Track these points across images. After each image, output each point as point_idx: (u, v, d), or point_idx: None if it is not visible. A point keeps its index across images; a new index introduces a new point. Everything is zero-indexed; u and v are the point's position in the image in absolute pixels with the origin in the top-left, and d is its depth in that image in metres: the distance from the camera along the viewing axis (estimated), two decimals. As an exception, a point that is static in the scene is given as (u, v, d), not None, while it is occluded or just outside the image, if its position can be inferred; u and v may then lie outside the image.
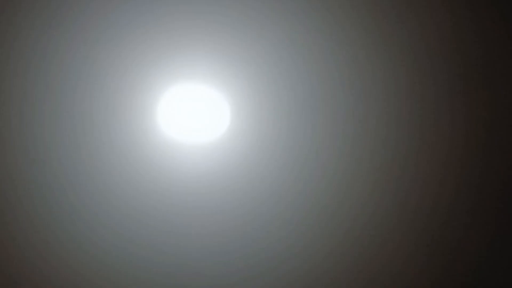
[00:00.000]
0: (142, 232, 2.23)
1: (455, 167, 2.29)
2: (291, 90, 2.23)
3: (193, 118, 2.18)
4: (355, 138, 2.27)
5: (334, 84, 2.25)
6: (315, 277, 2.29)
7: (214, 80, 2.19)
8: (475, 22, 2.28)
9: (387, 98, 2.27)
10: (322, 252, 2.29)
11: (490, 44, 2.28)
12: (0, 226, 2.21)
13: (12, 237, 2.21)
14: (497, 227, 2.30)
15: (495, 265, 2.31)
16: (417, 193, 2.30)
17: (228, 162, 2.22)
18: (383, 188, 2.30)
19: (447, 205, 2.31)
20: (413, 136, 2.28)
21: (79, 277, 2.23)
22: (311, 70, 2.24)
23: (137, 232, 2.23)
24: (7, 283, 2.21)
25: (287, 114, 2.23)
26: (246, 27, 2.20)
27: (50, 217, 2.22)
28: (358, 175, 2.28)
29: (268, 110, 2.22)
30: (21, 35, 2.16)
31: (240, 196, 2.25)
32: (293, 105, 2.24)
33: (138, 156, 2.19)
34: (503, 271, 2.31)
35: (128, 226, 2.23)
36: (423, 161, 2.29)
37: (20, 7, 2.16)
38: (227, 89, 2.20)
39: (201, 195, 2.23)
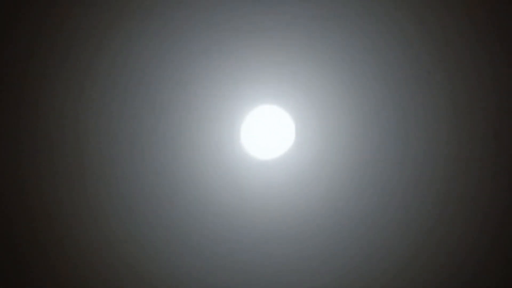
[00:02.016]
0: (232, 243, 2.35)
1: None
2: (352, 108, 2.34)
3: (264, 136, 2.33)
4: (425, 156, 2.27)
5: (399, 100, 2.28)
6: None
7: (281, 100, 2.31)
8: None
9: (465, 115, 2.26)
10: (391, 268, 2.31)
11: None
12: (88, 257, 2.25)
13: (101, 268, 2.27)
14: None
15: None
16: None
17: (296, 174, 2.33)
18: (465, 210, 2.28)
19: None
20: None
21: None
22: (373, 88, 2.28)
23: (226, 246, 2.35)
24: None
25: (346, 129, 2.33)
26: (308, 51, 2.31)
27: (132, 232, 2.32)
28: (425, 196, 2.28)
29: (330, 126, 2.33)
30: (103, 67, 2.29)
31: (308, 209, 2.36)
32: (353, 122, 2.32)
33: (218, 172, 2.33)
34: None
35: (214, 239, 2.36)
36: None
37: (101, 44, 2.29)
38: (293, 108, 2.31)
39: (277, 206, 2.36)
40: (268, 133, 2.33)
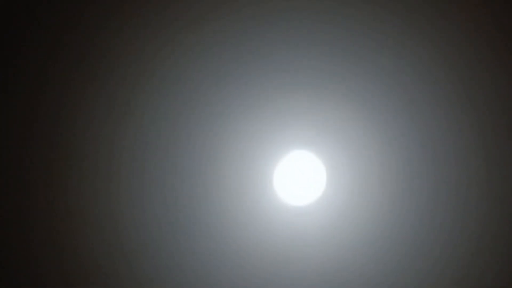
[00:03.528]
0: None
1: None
2: (381, 156, 2.35)
3: (296, 182, 2.34)
4: (458, 201, 2.29)
5: (432, 147, 2.29)
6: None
7: (313, 147, 2.34)
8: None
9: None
10: None
11: None
12: None
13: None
14: None
15: None
16: None
17: (328, 221, 2.34)
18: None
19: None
20: None
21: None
22: (405, 136, 2.30)
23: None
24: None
25: (377, 176, 2.34)
26: (341, 99, 2.34)
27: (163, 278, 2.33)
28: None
29: (361, 173, 2.35)
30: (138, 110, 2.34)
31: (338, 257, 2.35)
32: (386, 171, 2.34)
33: (250, 218, 2.35)
34: None
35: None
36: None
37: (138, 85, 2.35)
38: (324, 154, 2.34)
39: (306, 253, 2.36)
40: (300, 179, 2.35)
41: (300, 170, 2.35)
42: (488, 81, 2.34)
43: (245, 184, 2.35)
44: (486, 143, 2.33)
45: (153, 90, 2.36)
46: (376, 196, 2.34)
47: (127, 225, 2.34)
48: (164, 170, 2.35)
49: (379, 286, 2.32)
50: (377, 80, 2.34)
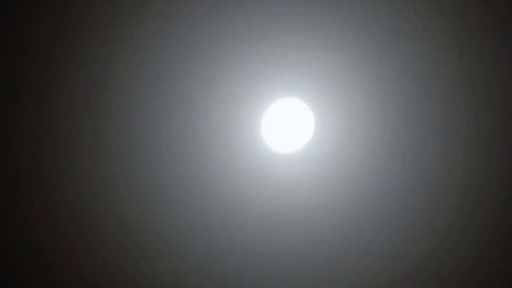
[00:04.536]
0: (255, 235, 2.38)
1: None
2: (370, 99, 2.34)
3: (284, 129, 2.34)
4: (443, 145, 2.28)
5: (422, 93, 2.31)
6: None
7: (301, 94, 2.32)
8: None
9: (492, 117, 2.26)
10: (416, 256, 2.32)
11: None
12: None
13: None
14: None
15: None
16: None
17: (316, 167, 2.34)
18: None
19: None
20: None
21: None
22: (395, 81, 2.28)
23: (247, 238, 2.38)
24: None
25: (366, 122, 2.34)
26: (328, 44, 2.31)
27: (152, 227, 2.38)
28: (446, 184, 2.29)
29: (350, 119, 2.34)
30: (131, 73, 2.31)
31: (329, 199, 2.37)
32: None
33: (239, 165, 2.35)
34: None
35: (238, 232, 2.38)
36: None
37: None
38: (312, 101, 2.32)
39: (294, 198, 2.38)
40: (288, 127, 2.34)
41: (288, 117, 2.34)
42: (478, 23, 2.30)
43: (233, 132, 2.34)
44: (476, 90, 2.31)
45: (139, 38, 2.31)
46: (364, 143, 2.33)
47: (117, 178, 2.35)
48: (150, 121, 2.33)
49: (367, 231, 2.35)
50: (367, 27, 2.30)
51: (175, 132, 2.33)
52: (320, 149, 2.34)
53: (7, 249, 2.36)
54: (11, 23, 2.31)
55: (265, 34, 2.30)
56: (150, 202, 2.35)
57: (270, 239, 2.37)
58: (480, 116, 2.32)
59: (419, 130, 2.32)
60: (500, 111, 2.31)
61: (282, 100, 2.34)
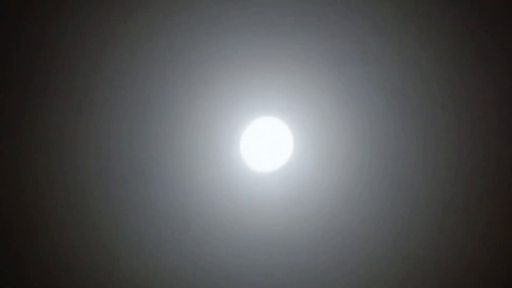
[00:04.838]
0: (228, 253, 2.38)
1: None
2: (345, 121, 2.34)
3: (262, 148, 2.33)
4: (424, 167, 2.28)
5: (399, 113, 2.30)
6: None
7: (280, 113, 2.32)
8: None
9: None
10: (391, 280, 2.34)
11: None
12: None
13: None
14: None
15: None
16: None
17: (295, 186, 2.35)
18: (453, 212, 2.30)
19: None
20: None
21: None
22: (373, 102, 2.30)
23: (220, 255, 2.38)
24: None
25: (345, 141, 2.34)
26: (307, 63, 2.30)
27: (129, 241, 2.37)
28: (421, 209, 2.30)
29: (329, 139, 2.34)
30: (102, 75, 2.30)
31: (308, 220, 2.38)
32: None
33: (217, 183, 2.35)
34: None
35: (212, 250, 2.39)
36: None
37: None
38: (291, 121, 2.32)
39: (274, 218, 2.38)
40: (266, 145, 2.33)
41: (267, 136, 2.33)
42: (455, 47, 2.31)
43: (212, 151, 2.34)
44: (459, 114, 2.32)
45: (118, 54, 2.29)
46: (342, 162, 2.34)
47: (94, 192, 2.34)
48: (128, 138, 2.32)
49: (345, 248, 2.37)
50: (346, 46, 2.29)
51: (153, 150, 2.32)
52: (299, 168, 2.34)
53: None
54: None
55: (244, 53, 2.29)
56: (127, 217, 2.35)
57: (247, 256, 2.37)
58: (461, 151, 2.33)
59: (397, 151, 2.33)
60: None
61: (260, 119, 2.33)
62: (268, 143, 2.33)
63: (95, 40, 2.29)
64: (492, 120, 2.31)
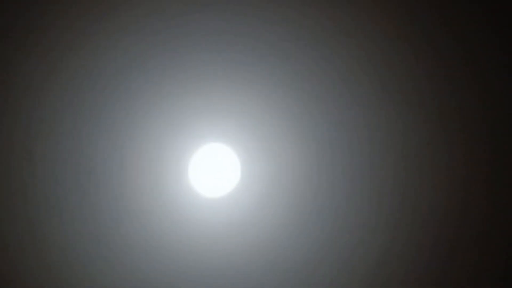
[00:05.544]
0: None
1: None
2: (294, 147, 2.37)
3: (210, 174, 2.35)
4: (370, 195, 2.31)
5: (350, 141, 2.31)
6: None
7: (227, 139, 2.34)
8: None
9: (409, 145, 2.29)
10: None
11: None
12: None
13: None
14: None
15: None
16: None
17: (242, 213, 2.37)
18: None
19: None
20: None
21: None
22: (321, 128, 2.32)
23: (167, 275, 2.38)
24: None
25: (292, 168, 2.36)
26: (254, 89, 2.34)
27: (74, 269, 2.36)
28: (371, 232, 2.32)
29: (276, 165, 2.37)
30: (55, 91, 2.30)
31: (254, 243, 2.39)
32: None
33: (164, 209, 2.36)
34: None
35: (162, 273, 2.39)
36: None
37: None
38: (238, 147, 2.35)
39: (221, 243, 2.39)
40: (214, 171, 2.36)
41: (215, 162, 2.36)
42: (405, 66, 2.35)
43: (160, 176, 2.36)
44: (406, 138, 2.36)
45: (66, 76, 2.32)
46: (290, 187, 2.36)
47: (42, 227, 2.34)
48: (76, 164, 2.34)
49: (291, 274, 2.37)
50: (292, 73, 2.33)
51: (101, 174, 2.34)
52: (247, 193, 2.36)
53: None
54: None
55: (190, 79, 2.33)
56: (74, 246, 2.35)
57: (195, 281, 2.38)
58: (422, 170, 2.36)
59: (345, 175, 2.35)
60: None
61: (208, 145, 2.36)
62: (216, 169, 2.35)
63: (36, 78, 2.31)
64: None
